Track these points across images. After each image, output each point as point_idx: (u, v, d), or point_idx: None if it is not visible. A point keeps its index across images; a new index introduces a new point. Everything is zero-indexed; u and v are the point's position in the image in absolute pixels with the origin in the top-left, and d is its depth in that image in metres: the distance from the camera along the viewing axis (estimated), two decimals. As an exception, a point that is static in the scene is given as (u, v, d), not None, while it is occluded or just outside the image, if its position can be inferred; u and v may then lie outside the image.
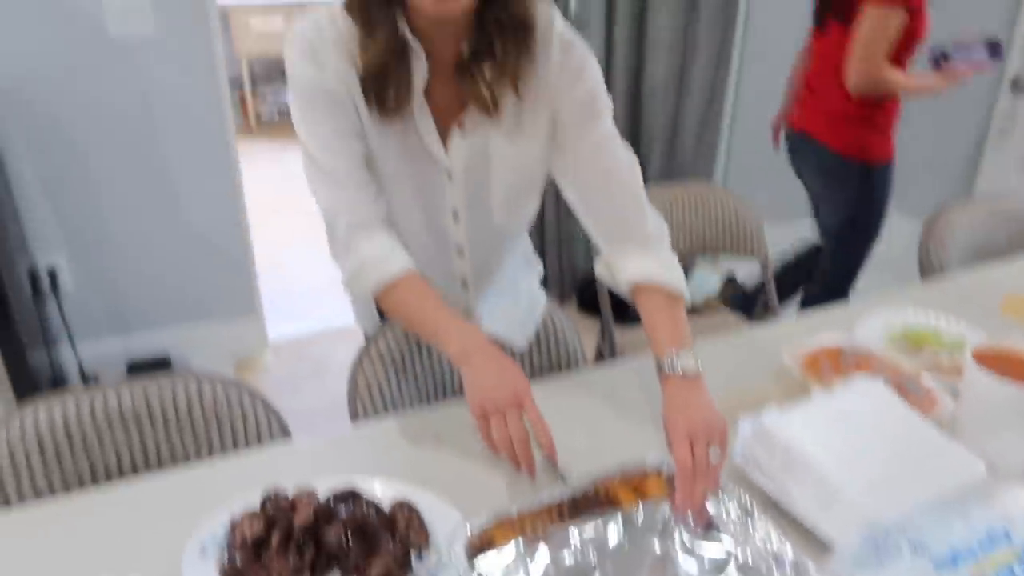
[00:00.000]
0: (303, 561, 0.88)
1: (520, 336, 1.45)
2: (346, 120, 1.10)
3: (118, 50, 2.35)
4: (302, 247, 3.79)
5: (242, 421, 1.24)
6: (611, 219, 1.21)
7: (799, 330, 1.44)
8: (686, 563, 0.83)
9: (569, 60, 1.13)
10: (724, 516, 0.90)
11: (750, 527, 0.88)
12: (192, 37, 2.40)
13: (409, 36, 1.06)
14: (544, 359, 1.52)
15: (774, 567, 0.83)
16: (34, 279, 2.44)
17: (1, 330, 2.08)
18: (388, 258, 1.13)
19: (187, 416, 1.23)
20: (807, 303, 2.58)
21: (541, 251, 3.10)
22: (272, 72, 5.77)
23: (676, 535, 0.86)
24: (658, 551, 0.84)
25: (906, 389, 1.17)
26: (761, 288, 2.33)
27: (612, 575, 0.82)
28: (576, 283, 3.27)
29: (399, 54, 1.06)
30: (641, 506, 0.90)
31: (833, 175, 2.36)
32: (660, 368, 1.11)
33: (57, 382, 2.49)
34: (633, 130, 3.14)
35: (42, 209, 2.44)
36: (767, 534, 0.86)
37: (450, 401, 1.29)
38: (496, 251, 1.35)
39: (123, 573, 0.89)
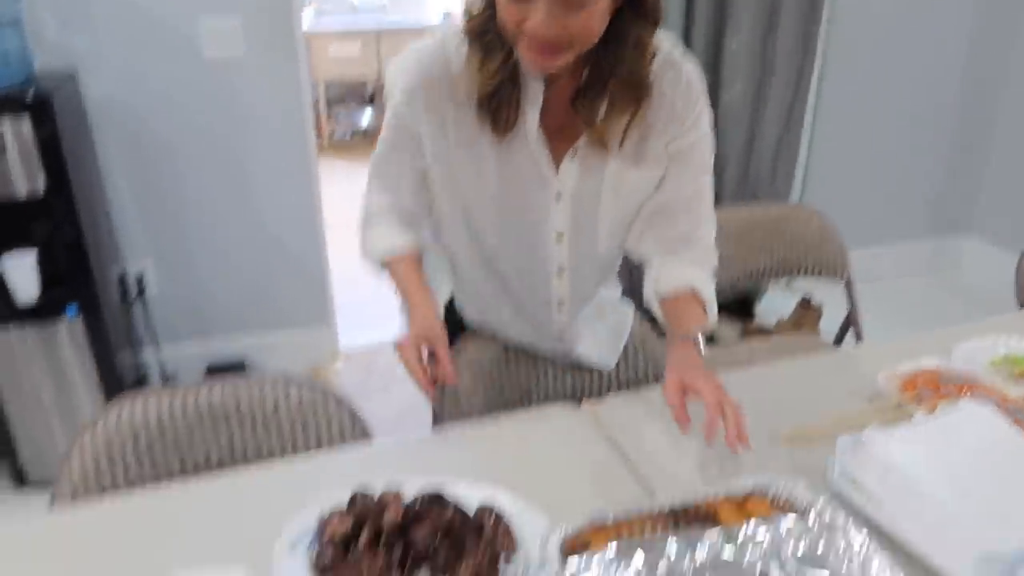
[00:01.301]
0: (392, 560, 0.88)
1: (610, 355, 1.44)
2: (419, 160, 1.21)
3: (211, 71, 2.45)
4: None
5: (326, 424, 1.25)
6: (676, 238, 1.23)
7: (890, 353, 1.38)
8: None
9: (688, 99, 1.14)
10: (830, 543, 0.86)
11: (856, 554, 0.84)
12: (279, 60, 2.49)
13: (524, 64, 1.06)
14: (631, 372, 1.50)
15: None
16: (123, 284, 2.53)
17: (93, 332, 2.16)
18: (389, 237, 1.26)
19: (273, 416, 1.25)
20: None
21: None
22: (346, 95, 5.90)
23: (779, 558, 0.82)
24: (758, 572, 0.81)
25: (1014, 416, 1.11)
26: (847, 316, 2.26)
27: (708, 591, 0.79)
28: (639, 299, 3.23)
29: (514, 77, 1.08)
30: (745, 525, 0.86)
31: None
32: (673, 339, 1.20)
33: (140, 383, 2.57)
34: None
35: (134, 217, 2.54)
36: (879, 566, 0.82)
37: (536, 410, 1.28)
38: (595, 275, 1.34)
39: (215, 564, 0.91)
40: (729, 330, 3.02)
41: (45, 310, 2.09)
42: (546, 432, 1.17)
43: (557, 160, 1.15)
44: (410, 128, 1.18)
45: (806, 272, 2.09)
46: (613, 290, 1.46)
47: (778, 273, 2.12)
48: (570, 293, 1.30)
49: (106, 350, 2.20)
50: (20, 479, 2.25)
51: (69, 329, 2.13)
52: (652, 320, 1.54)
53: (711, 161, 1.23)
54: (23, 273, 2.05)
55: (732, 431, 1.04)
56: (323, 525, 0.92)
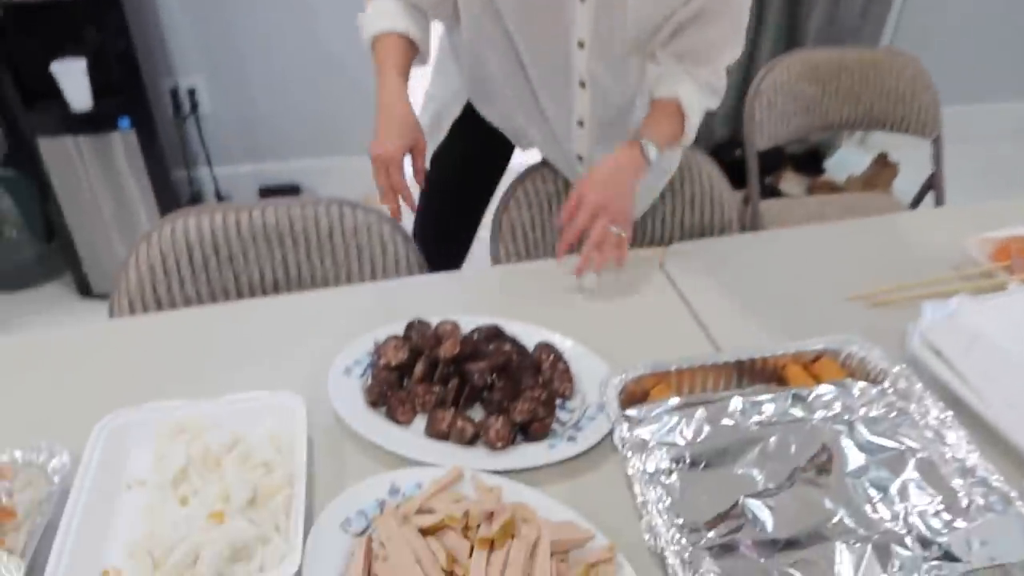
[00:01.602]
0: (446, 393, 0.86)
1: (640, 198, 1.35)
2: None
3: None
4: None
5: (381, 251, 1.22)
6: (689, 51, 1.11)
7: (975, 218, 1.27)
8: (853, 455, 0.75)
9: None
10: (904, 413, 0.81)
11: (931, 427, 0.80)
12: None
13: None
14: (696, 218, 1.43)
15: (958, 475, 0.74)
16: (176, 99, 2.48)
17: (146, 145, 2.14)
18: (389, 14, 1.10)
19: (327, 240, 1.22)
20: None
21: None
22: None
23: (849, 423, 0.78)
24: (826, 437, 0.77)
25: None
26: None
27: (773, 452, 0.76)
28: (710, 150, 3.08)
29: None
30: (815, 388, 0.82)
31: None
32: (627, 139, 1.10)
33: (195, 201, 2.58)
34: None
35: (186, 30, 2.44)
36: (957, 439, 0.78)
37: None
38: (622, 89, 1.21)
39: (265, 386, 0.91)
40: (795, 184, 2.88)
41: (99, 120, 2.07)
42: (608, 274, 1.11)
43: None
44: None
45: (892, 127, 1.94)
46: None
47: (860, 125, 1.96)
48: (591, 109, 1.19)
49: (160, 165, 2.19)
50: (84, 290, 2.32)
51: (124, 141, 2.11)
52: (723, 164, 1.45)
53: None
54: (75, 80, 2.00)
55: (587, 256, 1.04)
56: (378, 352, 0.90)
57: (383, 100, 1.05)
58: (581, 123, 1.20)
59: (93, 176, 2.14)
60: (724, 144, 3.01)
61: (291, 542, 0.69)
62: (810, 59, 1.89)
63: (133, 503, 0.76)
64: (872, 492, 0.72)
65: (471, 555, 0.66)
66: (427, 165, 1.08)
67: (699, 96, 1.13)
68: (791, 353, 0.90)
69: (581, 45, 1.09)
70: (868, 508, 0.70)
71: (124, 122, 2.08)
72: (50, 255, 2.37)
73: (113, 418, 0.81)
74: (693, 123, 1.13)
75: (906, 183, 2.69)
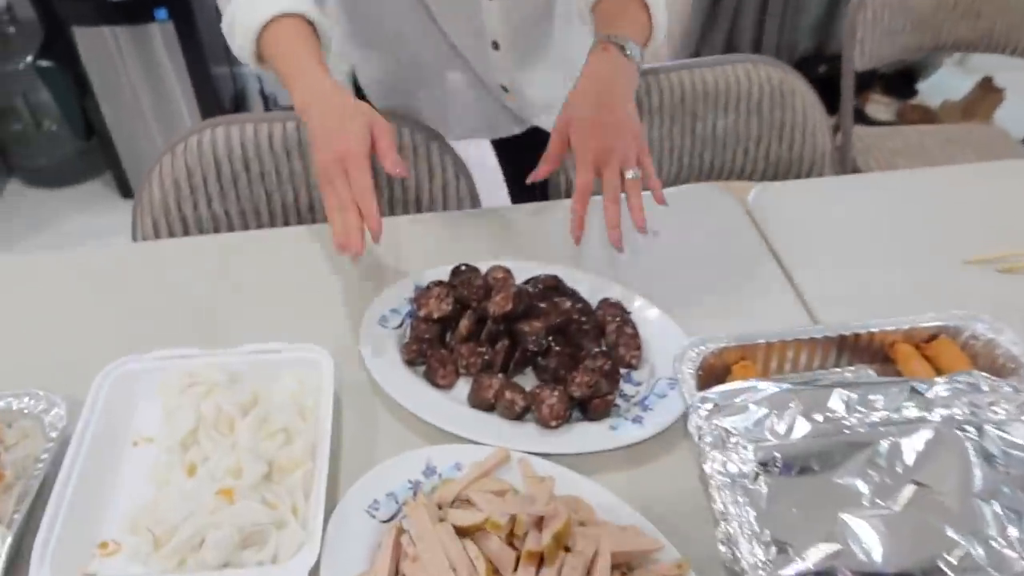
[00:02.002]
0: (495, 354, 0.75)
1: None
2: None
3: None
4: None
5: (428, 176, 1.09)
6: None
7: None
8: (983, 471, 0.61)
9: None
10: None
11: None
12: None
13: None
14: (783, 150, 1.26)
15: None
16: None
17: (186, 40, 2.01)
18: (254, 4, 0.82)
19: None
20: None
21: (760, 16, 2.63)
22: None
23: (979, 428, 0.65)
24: (949, 444, 0.64)
25: None
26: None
27: (883, 460, 0.62)
28: (792, 63, 2.81)
29: None
30: (936, 382, 0.68)
31: None
32: (595, 45, 0.86)
33: (238, 101, 2.46)
34: None
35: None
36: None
37: (680, 188, 1.07)
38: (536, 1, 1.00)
39: (293, 327, 0.80)
40: (883, 107, 2.63)
41: (136, 9, 1.93)
42: (682, 211, 0.96)
43: None
44: None
45: (1015, 51, 1.69)
46: (578, 35, 1.03)
47: (977, 47, 1.72)
48: (504, 24, 0.97)
49: (200, 59, 2.06)
50: (125, 190, 2.25)
51: (162, 32, 1.98)
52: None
53: None
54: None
55: (637, 212, 0.80)
56: (419, 301, 0.79)
57: (312, 99, 0.78)
58: (496, 45, 0.99)
59: (132, 69, 2.03)
60: (808, 58, 2.74)
61: (309, 528, 0.60)
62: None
63: (138, 462, 0.68)
64: (1008, 521, 0.59)
65: (516, 569, 0.55)
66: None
67: None
68: (903, 330, 0.76)
69: None
70: (1000, 541, 0.58)
71: (161, 13, 1.94)
72: (89, 152, 2.29)
73: (119, 365, 0.72)
74: (658, 8, 0.88)
75: (1011, 113, 2.43)
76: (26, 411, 0.68)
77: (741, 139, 1.25)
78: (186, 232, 1.07)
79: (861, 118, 2.63)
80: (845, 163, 1.60)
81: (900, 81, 2.71)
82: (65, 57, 2.03)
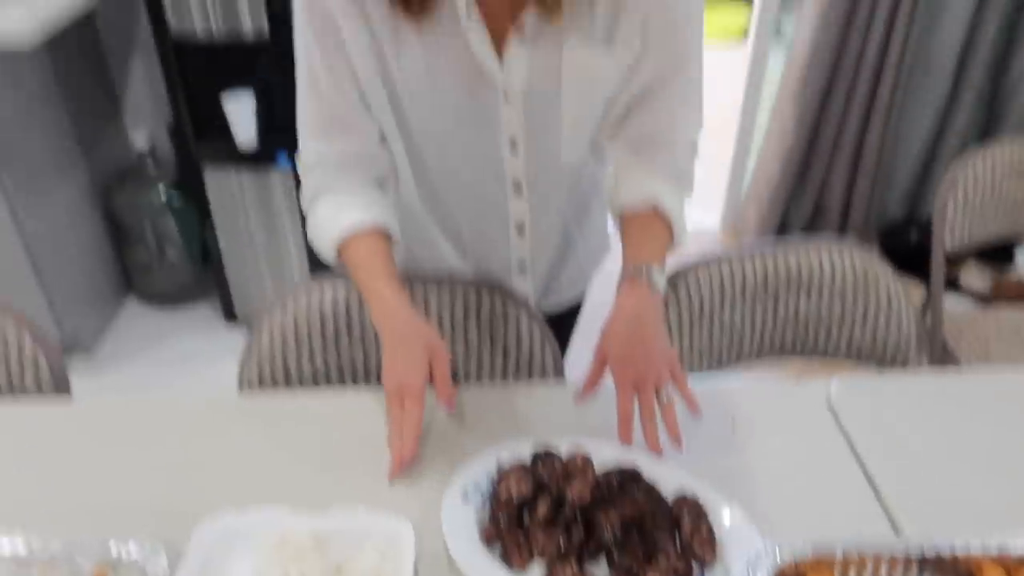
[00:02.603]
0: (571, 543, 0.77)
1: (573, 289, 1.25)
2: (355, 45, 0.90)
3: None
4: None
5: (516, 345, 1.14)
6: (642, 138, 0.98)
7: None
8: None
9: None
10: None
11: None
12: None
13: None
14: (867, 336, 1.26)
15: None
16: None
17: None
18: (336, 216, 0.97)
19: (462, 323, 1.16)
20: None
21: (851, 182, 2.67)
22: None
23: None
24: None
25: None
26: None
27: None
28: (882, 230, 2.82)
29: None
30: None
31: None
32: (623, 276, 0.95)
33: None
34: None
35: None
36: None
37: (752, 371, 1.09)
38: (562, 190, 1.08)
39: (379, 492, 0.84)
40: (978, 277, 2.58)
41: (262, 155, 2.13)
42: (762, 405, 0.98)
43: (501, 47, 0.89)
44: (329, 20, 0.89)
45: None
46: (599, 218, 1.22)
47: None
48: (531, 215, 1.07)
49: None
50: (230, 315, 2.40)
51: (282, 180, 2.16)
52: (896, 250, 1.27)
53: (699, 49, 0.94)
54: (242, 113, 2.07)
55: (672, 429, 0.88)
56: (500, 480, 0.82)
57: (383, 323, 0.92)
58: (521, 229, 1.09)
59: (251, 209, 2.21)
60: (899, 224, 2.75)
61: None
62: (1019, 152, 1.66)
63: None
64: None
65: None
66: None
67: (670, 191, 0.99)
68: (993, 552, 0.74)
69: (513, 145, 0.98)
70: None
71: (283, 158, 2.13)
72: (202, 278, 2.47)
73: (217, 519, 0.77)
74: (679, 223, 0.99)
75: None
76: (132, 558, 0.74)
77: (823, 320, 1.26)
78: (288, 382, 1.14)
79: (953, 285, 2.59)
80: (934, 347, 1.58)
81: (998, 250, 2.67)
82: (193, 193, 2.24)
